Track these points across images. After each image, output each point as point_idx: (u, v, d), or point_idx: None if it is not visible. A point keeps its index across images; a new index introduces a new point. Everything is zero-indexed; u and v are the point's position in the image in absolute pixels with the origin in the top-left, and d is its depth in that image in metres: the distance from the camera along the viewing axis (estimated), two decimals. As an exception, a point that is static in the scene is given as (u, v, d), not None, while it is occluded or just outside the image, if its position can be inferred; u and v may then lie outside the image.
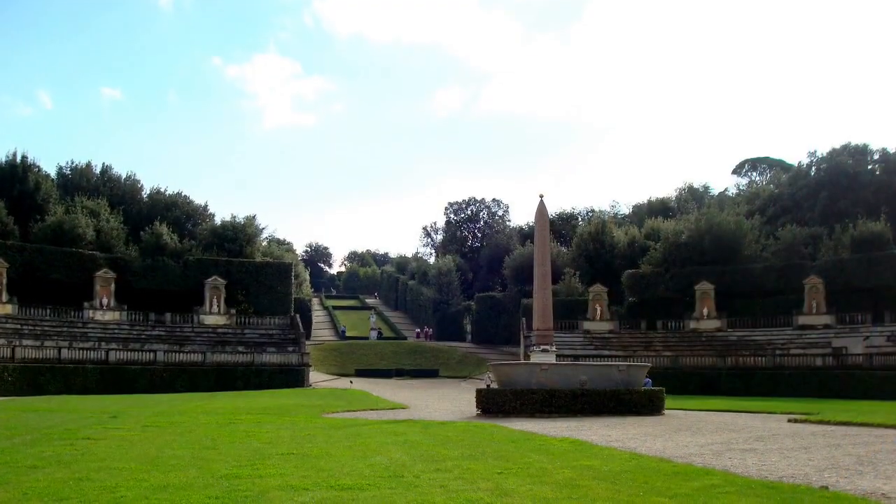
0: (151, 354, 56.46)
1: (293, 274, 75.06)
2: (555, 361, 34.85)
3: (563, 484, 11.53)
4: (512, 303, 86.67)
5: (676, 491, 10.91)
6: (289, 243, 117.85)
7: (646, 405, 30.31)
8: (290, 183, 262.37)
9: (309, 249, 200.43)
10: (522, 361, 47.59)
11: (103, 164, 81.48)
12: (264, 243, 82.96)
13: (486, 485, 11.40)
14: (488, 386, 38.25)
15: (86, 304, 61.52)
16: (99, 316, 61.64)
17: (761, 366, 57.95)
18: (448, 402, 40.74)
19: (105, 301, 62.30)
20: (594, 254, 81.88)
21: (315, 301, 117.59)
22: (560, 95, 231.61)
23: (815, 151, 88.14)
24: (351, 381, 60.54)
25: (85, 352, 54.38)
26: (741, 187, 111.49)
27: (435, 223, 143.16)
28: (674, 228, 75.98)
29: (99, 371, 53.09)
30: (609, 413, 29.27)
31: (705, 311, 68.66)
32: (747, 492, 10.88)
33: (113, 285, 63.22)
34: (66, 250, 63.13)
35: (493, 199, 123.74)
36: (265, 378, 57.81)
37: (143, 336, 61.36)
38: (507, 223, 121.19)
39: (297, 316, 69.77)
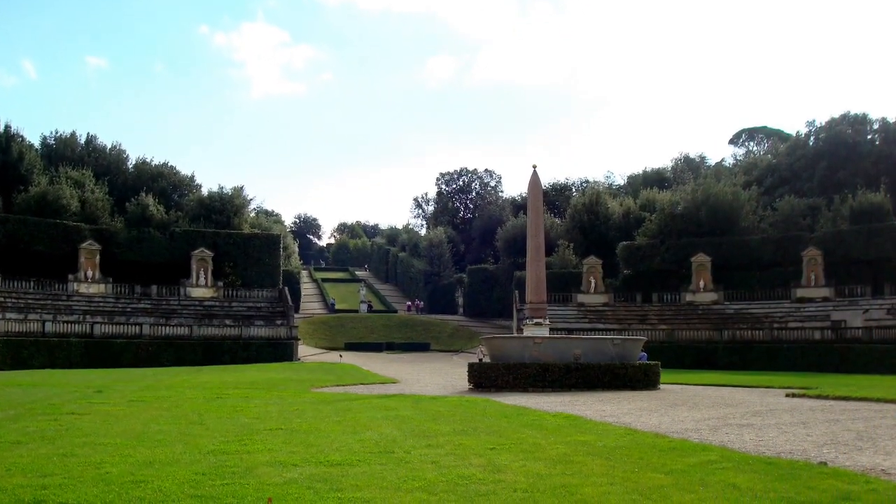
0: (137, 328, 56.40)
1: (281, 246, 74.93)
2: (548, 335, 34.83)
3: (557, 460, 11.51)
4: (505, 275, 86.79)
5: (672, 467, 10.90)
6: (277, 214, 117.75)
7: (641, 380, 30.37)
8: (279, 153, 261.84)
9: (298, 221, 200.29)
10: (515, 335, 47.58)
11: (88, 134, 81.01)
12: (252, 214, 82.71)
13: (478, 461, 11.38)
14: (480, 360, 38.32)
15: (70, 277, 61.38)
16: (84, 289, 61.48)
17: (759, 339, 58.08)
18: (440, 377, 40.76)
19: (90, 273, 62.14)
20: (588, 225, 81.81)
21: (304, 274, 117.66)
22: (554, 65, 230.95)
23: (814, 121, 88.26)
24: (340, 355, 60.69)
25: (69, 325, 54.31)
26: (738, 157, 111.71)
27: (426, 194, 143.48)
28: (669, 199, 75.90)
29: (83, 345, 53.04)
30: (603, 388, 29.31)
31: (702, 283, 68.77)
32: (744, 467, 10.87)
33: (98, 257, 63.07)
34: (49, 221, 62.82)
35: (486, 170, 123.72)
36: (253, 352, 57.89)
37: (128, 309, 61.27)
38: (500, 194, 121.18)
39: (286, 289, 69.77)
